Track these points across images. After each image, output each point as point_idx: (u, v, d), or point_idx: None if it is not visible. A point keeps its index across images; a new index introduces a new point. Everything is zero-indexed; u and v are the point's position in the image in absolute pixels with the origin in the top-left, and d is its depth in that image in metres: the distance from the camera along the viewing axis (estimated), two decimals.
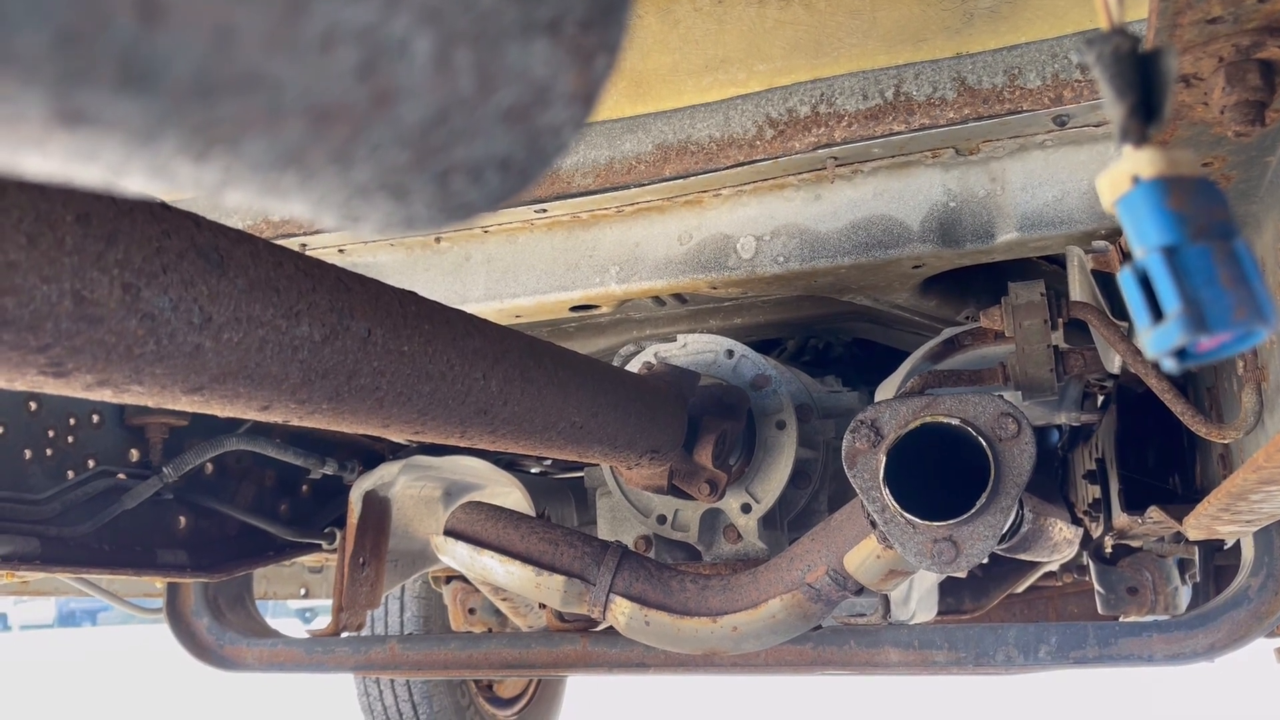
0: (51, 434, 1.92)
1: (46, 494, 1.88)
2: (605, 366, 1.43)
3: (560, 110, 0.28)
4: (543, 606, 2.18)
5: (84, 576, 2.12)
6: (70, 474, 1.94)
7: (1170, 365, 0.46)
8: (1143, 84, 0.42)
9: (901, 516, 1.41)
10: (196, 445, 2.06)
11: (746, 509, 1.89)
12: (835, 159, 1.58)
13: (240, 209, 1.70)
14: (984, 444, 1.39)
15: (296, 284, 0.82)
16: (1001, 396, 1.43)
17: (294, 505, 2.49)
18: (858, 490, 1.46)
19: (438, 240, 1.84)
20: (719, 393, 1.83)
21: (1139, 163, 0.43)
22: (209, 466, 2.25)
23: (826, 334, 2.60)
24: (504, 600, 2.49)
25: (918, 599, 2.01)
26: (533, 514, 2.16)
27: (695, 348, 1.96)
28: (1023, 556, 2.25)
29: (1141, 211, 0.43)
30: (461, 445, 1.14)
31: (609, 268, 1.76)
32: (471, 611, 3.05)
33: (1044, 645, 1.72)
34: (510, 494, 2.23)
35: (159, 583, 2.24)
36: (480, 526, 1.83)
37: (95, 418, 2.01)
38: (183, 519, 2.17)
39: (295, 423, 0.90)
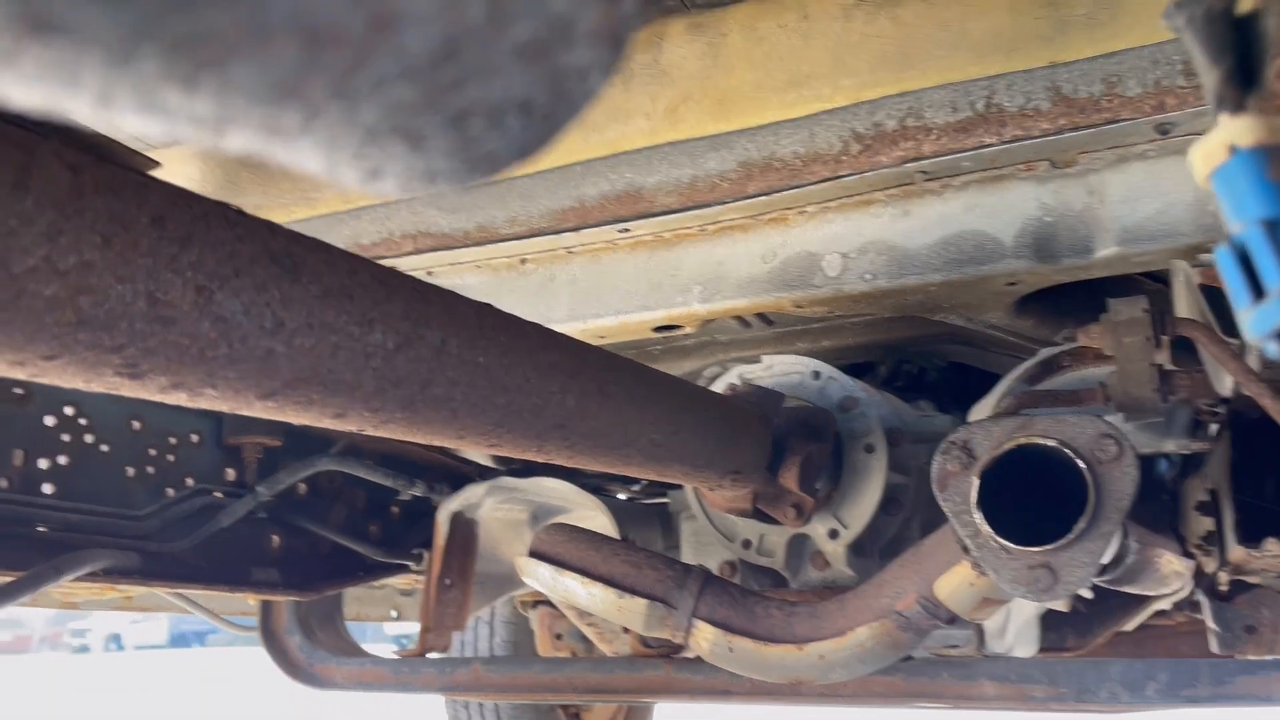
0: (153, 452, 1.98)
1: (147, 510, 1.94)
2: (685, 384, 1.41)
3: (584, 51, 0.26)
4: (626, 631, 2.16)
5: (181, 592, 2.17)
6: (170, 492, 2.00)
7: (1274, 350, 0.42)
8: (1239, 47, 0.39)
9: (995, 541, 1.36)
10: (290, 466, 2.11)
11: (834, 535, 1.85)
12: (924, 173, 1.54)
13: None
14: (1082, 466, 1.33)
15: (370, 292, 0.82)
16: (1102, 418, 1.36)
17: (384, 527, 2.52)
18: (949, 514, 1.41)
19: (523, 262, 1.85)
20: (805, 414, 1.79)
21: (1236, 131, 0.40)
22: (302, 487, 2.29)
23: (919, 357, 2.54)
24: (589, 625, 2.47)
25: (1015, 631, 1.93)
26: (617, 538, 2.14)
27: (781, 369, 1.92)
28: (1129, 590, 2.15)
29: (1239, 183, 0.39)
30: (539, 460, 1.13)
31: (692, 287, 1.75)
32: (559, 637, 3.04)
33: (1152, 682, 1.63)
34: (595, 518, 2.22)
35: (252, 600, 2.29)
36: (563, 548, 1.82)
37: (194, 437, 2.07)
38: (276, 538, 2.21)
39: (370, 431, 0.91)
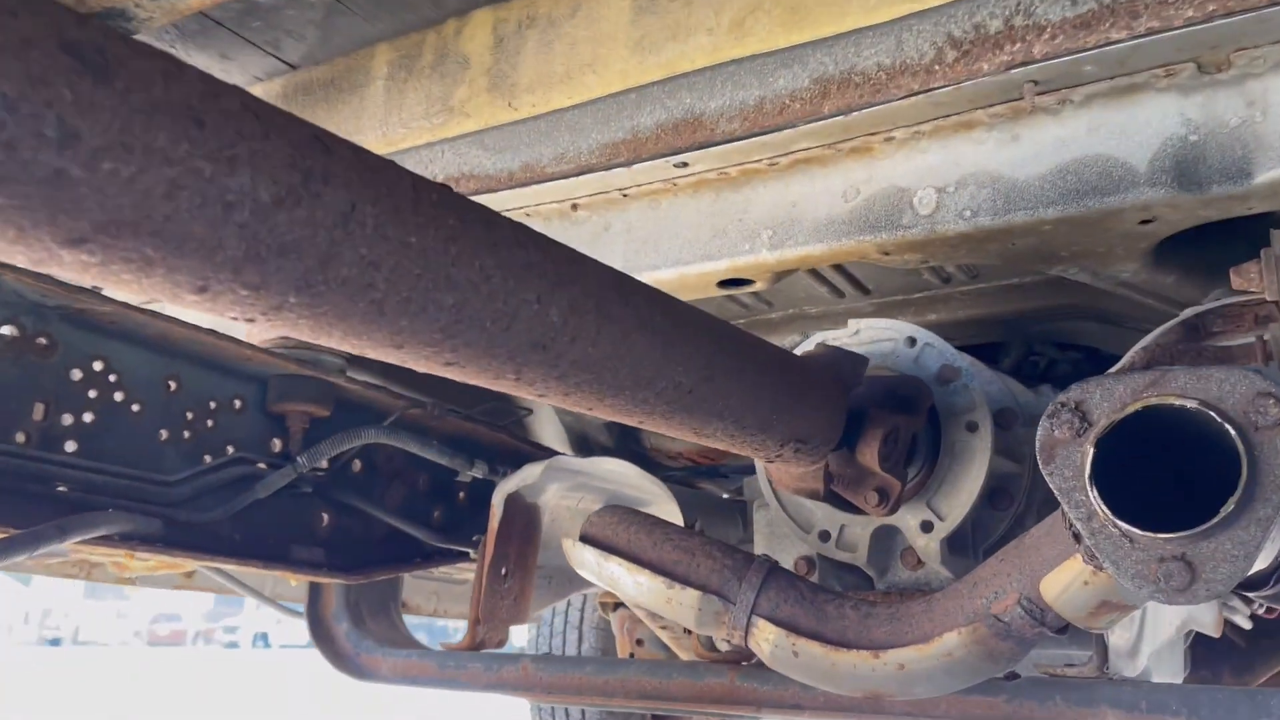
0: (190, 416, 1.86)
1: (178, 477, 1.81)
2: (726, 326, 1.18)
3: None
4: (688, 633, 1.93)
5: (216, 567, 2.05)
6: (207, 459, 1.87)
7: None
8: None
9: (1115, 526, 1.07)
10: (334, 437, 1.95)
11: (927, 527, 1.57)
12: (1035, 83, 1.27)
13: None
14: (1233, 433, 1.04)
15: (236, 123, 0.62)
16: (1259, 372, 1.07)
17: (448, 511, 2.35)
18: (1056, 493, 1.13)
19: (574, 208, 1.65)
20: (893, 383, 1.53)
21: None
22: (357, 464, 2.14)
23: (1046, 344, 2.22)
24: (661, 627, 2.24)
25: (1151, 652, 1.60)
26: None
27: (870, 335, 1.66)
28: None
29: None
30: (522, 393, 0.92)
31: (760, 232, 1.51)
32: (639, 643, 2.82)
33: None
34: (663, 507, 2.00)
35: (294, 581, 2.16)
36: (611, 530, 1.60)
37: (237, 403, 1.94)
38: (325, 516, 2.06)
39: (262, 323, 0.71)
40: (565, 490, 2.20)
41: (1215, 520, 1.02)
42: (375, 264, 0.72)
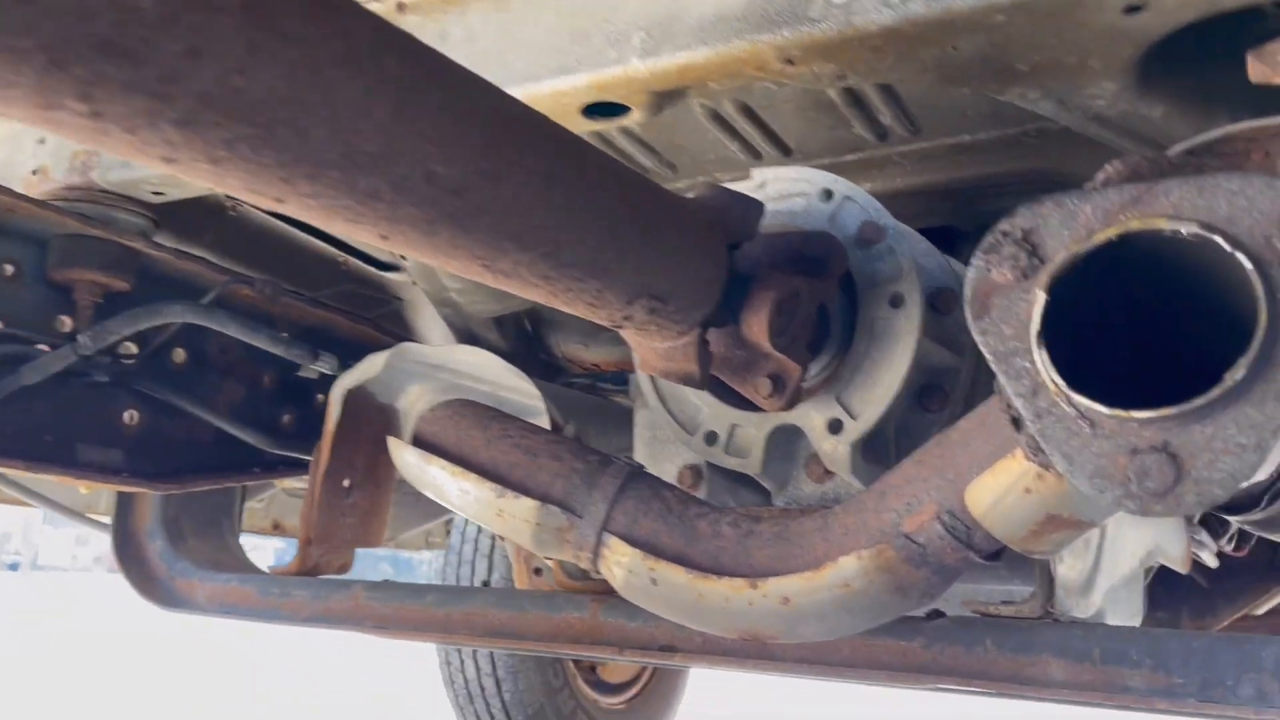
0: None
1: None
2: (534, 115, 0.83)
3: None
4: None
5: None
6: None
7: None
8: None
9: (1070, 403, 0.74)
10: (130, 313, 1.59)
11: (836, 427, 1.24)
12: None
13: None
14: (1248, 267, 0.70)
15: None
16: None
17: (304, 418, 2.00)
18: (991, 359, 0.80)
19: (401, 8, 1.28)
20: (797, 240, 1.19)
21: None
22: (179, 353, 1.78)
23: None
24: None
25: (1108, 590, 1.29)
26: (545, 425, 1.58)
27: (778, 188, 1.32)
28: None
29: None
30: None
31: (630, 35, 1.16)
32: (538, 572, 2.50)
33: None
34: (531, 406, 1.66)
35: (84, 489, 1.81)
36: (440, 427, 1.27)
37: (8, 269, 1.57)
38: (133, 414, 1.71)
39: None
40: (437, 391, 1.85)
41: (1216, 392, 0.69)
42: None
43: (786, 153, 1.63)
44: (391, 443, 1.31)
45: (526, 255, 0.81)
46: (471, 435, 1.22)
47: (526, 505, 1.14)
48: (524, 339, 2.38)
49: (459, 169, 0.71)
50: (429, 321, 2.18)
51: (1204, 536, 1.80)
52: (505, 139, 0.75)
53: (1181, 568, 1.61)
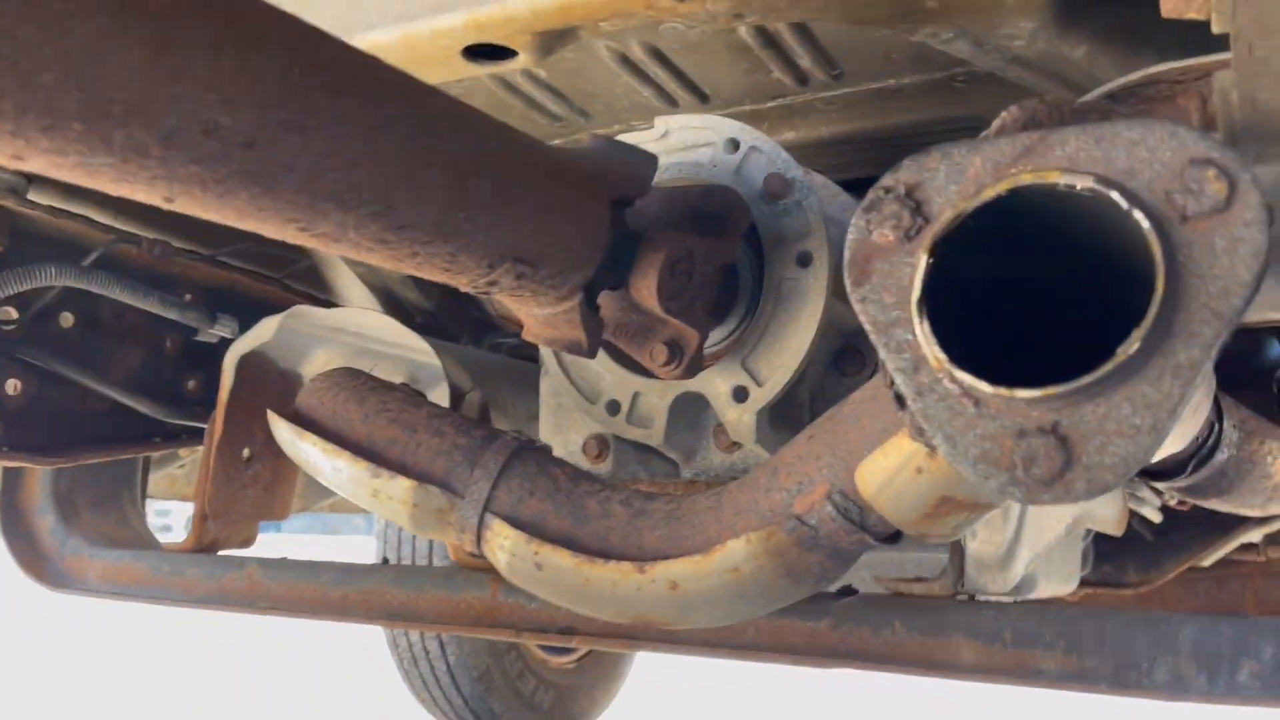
0: None
1: None
2: (362, 58, 0.73)
3: None
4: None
5: None
6: None
7: None
8: None
9: (952, 379, 0.67)
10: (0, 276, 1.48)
11: (741, 395, 1.16)
12: None
13: None
14: (1145, 225, 0.62)
15: None
16: (1192, 130, 0.65)
17: (211, 383, 1.90)
18: (870, 329, 0.72)
19: None
20: (694, 195, 1.10)
21: None
22: (68, 317, 1.68)
23: None
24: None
25: (1031, 558, 1.23)
26: (444, 395, 1.49)
27: (682, 139, 1.22)
28: (1218, 506, 1.44)
29: None
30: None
31: None
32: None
33: (1249, 660, 0.93)
34: (430, 374, 1.57)
35: None
36: (319, 399, 1.18)
37: None
38: (15, 384, 1.60)
39: None
40: (343, 356, 1.76)
41: (1108, 368, 0.61)
42: None
43: (704, 99, 1.53)
44: (270, 416, 1.22)
45: (351, 217, 0.72)
46: (348, 408, 1.13)
47: (403, 485, 1.05)
48: (452, 296, 2.28)
49: (249, 119, 0.62)
50: (345, 280, 2.08)
51: (1146, 492, 1.75)
52: (312, 83, 0.66)
53: (1115, 531, 1.56)
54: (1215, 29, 0.73)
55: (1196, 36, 0.99)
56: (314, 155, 0.66)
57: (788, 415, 1.20)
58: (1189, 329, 0.62)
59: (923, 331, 0.67)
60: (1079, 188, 0.64)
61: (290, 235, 0.72)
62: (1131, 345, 0.61)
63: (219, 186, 0.63)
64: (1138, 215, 0.62)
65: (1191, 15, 0.75)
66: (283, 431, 1.17)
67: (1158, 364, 0.62)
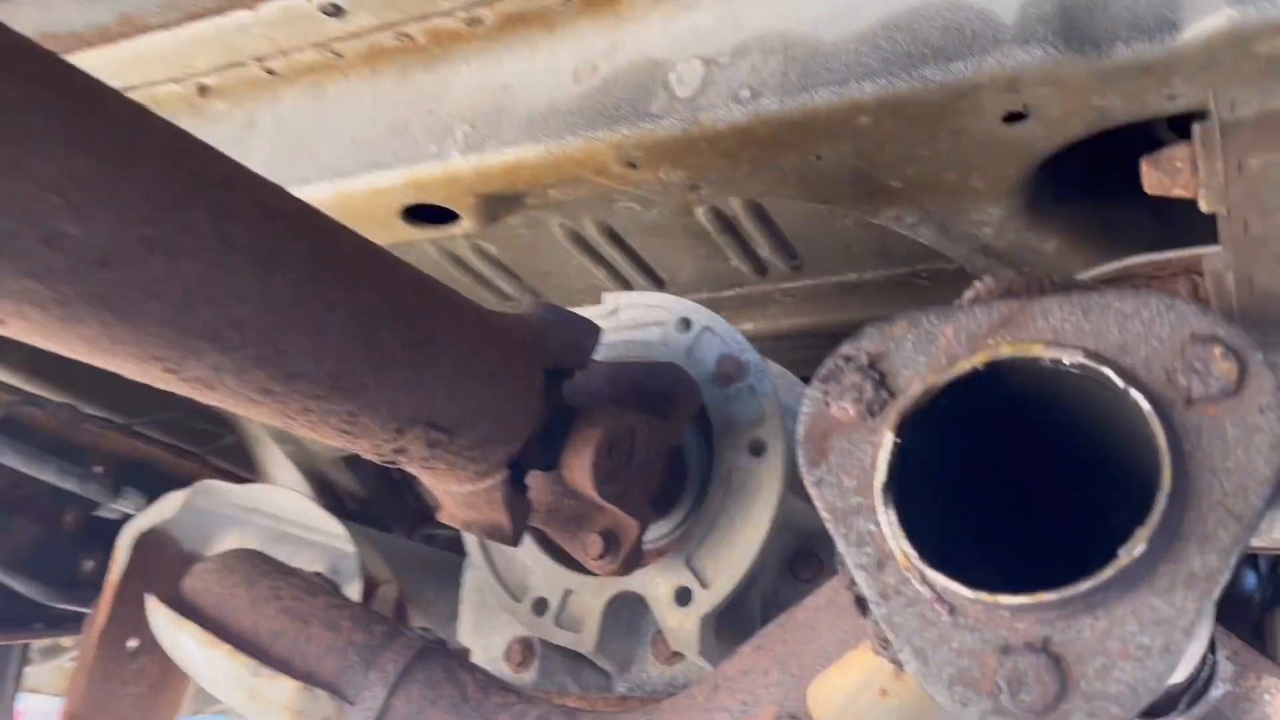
0: None
1: None
2: (258, 181, 0.65)
3: None
4: None
5: None
6: None
7: None
8: None
9: (923, 580, 0.56)
10: None
11: (684, 597, 1.03)
12: None
13: None
14: (1145, 409, 0.53)
15: None
16: (1189, 303, 0.57)
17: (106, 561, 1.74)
18: (826, 518, 0.62)
19: (203, 92, 1.12)
20: (639, 373, 1.01)
21: None
22: None
23: None
24: None
25: None
26: (357, 586, 1.35)
27: (634, 315, 1.15)
28: None
29: None
30: None
31: (454, 127, 1.00)
32: None
33: None
34: (346, 562, 1.42)
35: None
36: (205, 583, 1.04)
37: None
38: None
39: None
40: (255, 539, 1.61)
41: (1108, 573, 0.51)
42: None
43: (660, 284, 1.48)
44: (147, 599, 1.07)
45: (231, 360, 0.62)
46: (235, 594, 0.99)
47: (285, 687, 0.90)
48: (387, 482, 2.15)
49: (104, 231, 0.52)
50: (272, 459, 1.95)
51: None
52: (190, 199, 0.57)
53: None
54: (1204, 207, 0.68)
55: (1169, 232, 0.95)
56: (186, 283, 0.57)
57: (737, 624, 1.07)
58: (1203, 532, 0.52)
59: (888, 522, 0.57)
60: (1067, 363, 0.56)
61: (154, 376, 0.61)
62: (1135, 547, 0.51)
63: (60, 309, 0.53)
64: (1136, 395, 0.54)
65: (1177, 193, 0.69)
66: (159, 618, 1.03)
67: (1167, 571, 0.52)
